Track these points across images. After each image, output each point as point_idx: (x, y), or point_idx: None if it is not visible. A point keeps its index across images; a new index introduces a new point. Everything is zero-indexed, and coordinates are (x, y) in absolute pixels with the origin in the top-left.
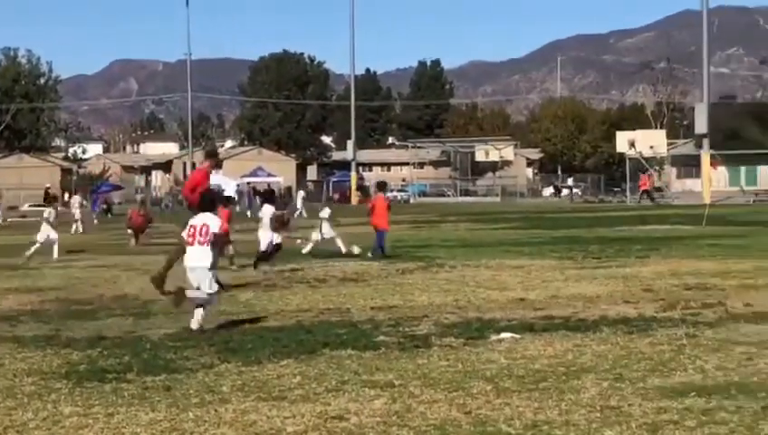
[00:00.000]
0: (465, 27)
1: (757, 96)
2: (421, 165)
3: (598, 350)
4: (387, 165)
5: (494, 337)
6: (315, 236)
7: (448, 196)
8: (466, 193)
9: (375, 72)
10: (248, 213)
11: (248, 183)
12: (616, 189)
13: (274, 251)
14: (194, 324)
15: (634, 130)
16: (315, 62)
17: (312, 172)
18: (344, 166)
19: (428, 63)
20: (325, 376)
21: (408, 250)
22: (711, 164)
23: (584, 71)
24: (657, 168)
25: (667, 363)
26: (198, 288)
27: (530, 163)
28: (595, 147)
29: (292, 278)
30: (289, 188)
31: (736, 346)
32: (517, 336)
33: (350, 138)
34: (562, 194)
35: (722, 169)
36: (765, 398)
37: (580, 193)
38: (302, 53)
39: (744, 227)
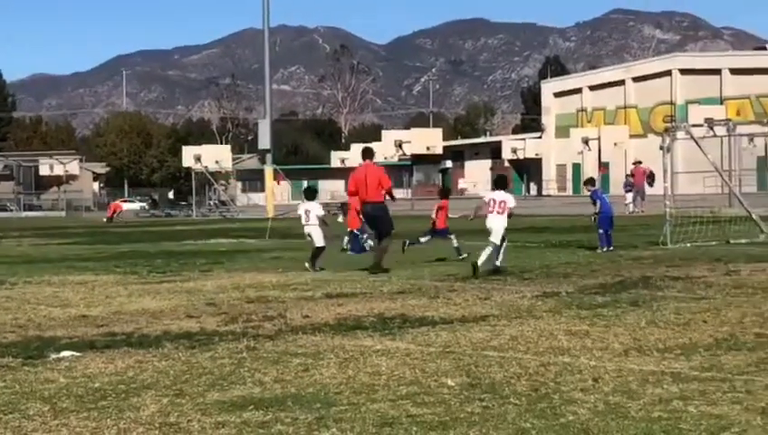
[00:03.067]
0: (28, 39)
1: (317, 112)
2: None
3: (159, 366)
4: None
5: (53, 356)
6: None
7: (11, 211)
8: (30, 208)
9: None
10: None
11: None
12: (183, 203)
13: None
14: (499, 262)
15: (200, 144)
16: None
17: None
18: None
19: None
20: None
21: None
22: (275, 178)
23: (150, 86)
24: (224, 182)
25: (228, 377)
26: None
27: (96, 177)
28: (162, 161)
29: None
30: None
31: (294, 358)
32: (78, 354)
33: None
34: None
35: (285, 183)
36: (320, 408)
37: (147, 207)
38: None
39: (305, 239)
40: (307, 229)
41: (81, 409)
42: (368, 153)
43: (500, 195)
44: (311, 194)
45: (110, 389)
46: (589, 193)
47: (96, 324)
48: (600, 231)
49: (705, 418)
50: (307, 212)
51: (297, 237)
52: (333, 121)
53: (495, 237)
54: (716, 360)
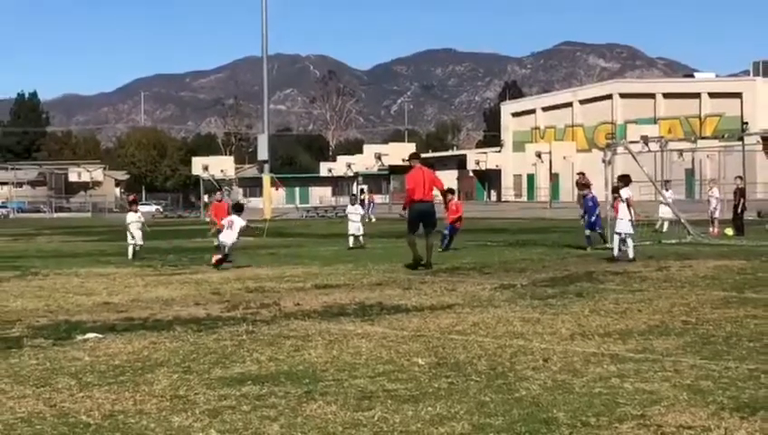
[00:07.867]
0: (60, 63)
1: (308, 129)
2: (20, 184)
3: (171, 346)
4: None
5: (79, 337)
6: None
7: (44, 212)
8: (61, 209)
9: None
10: None
11: None
12: (192, 206)
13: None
14: (630, 254)
15: (207, 156)
16: None
17: None
18: None
19: (26, 95)
20: None
21: (4, 260)
22: (272, 185)
23: (165, 105)
24: (228, 188)
25: (229, 356)
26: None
27: (118, 183)
28: (174, 170)
29: None
30: None
31: (287, 340)
32: (101, 336)
33: None
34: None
35: (281, 189)
36: (308, 384)
37: (161, 209)
38: None
39: (297, 238)
40: (229, 239)
41: (102, 383)
42: (417, 157)
43: (625, 191)
44: (239, 208)
45: (128, 366)
46: (583, 194)
47: (116, 310)
48: (587, 232)
49: (639, 393)
50: (230, 223)
51: (291, 236)
52: (322, 137)
53: (625, 228)
54: (649, 343)
